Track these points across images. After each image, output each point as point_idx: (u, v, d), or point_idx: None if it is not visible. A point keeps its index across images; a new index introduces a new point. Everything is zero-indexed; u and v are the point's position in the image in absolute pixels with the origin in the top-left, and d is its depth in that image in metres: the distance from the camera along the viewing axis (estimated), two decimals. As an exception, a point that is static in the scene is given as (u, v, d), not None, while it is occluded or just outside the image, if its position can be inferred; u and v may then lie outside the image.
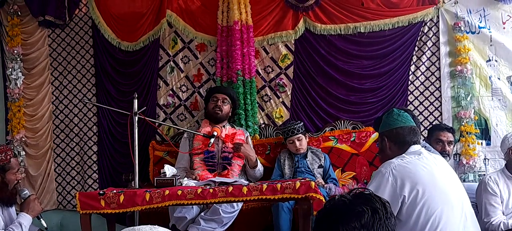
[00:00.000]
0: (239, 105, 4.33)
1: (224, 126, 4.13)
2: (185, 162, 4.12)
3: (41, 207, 3.33)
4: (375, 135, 4.21)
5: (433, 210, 2.22)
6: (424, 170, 2.31)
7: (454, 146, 4.11)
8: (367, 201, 1.39)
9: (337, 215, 1.38)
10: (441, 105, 4.44)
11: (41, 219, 3.32)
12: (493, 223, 3.36)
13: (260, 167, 4.10)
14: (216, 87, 4.36)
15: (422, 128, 4.39)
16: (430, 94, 4.45)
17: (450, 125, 4.35)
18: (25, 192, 3.30)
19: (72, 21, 4.78)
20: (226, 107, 4.16)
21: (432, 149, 3.47)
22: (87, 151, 4.74)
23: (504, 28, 4.39)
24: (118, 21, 4.67)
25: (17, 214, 3.25)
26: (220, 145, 4.04)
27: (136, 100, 3.40)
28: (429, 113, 4.45)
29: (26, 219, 3.16)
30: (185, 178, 3.36)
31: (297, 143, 4.05)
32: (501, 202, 3.44)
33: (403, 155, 2.42)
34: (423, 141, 4.21)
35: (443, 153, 3.78)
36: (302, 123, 4.16)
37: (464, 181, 4.27)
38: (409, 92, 4.46)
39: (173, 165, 3.88)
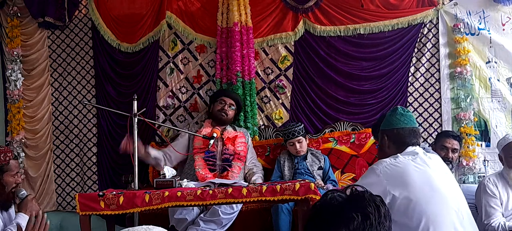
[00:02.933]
0: (241, 110, 4.37)
1: (225, 128, 4.13)
2: (173, 154, 4.07)
3: (38, 207, 3.31)
4: (374, 137, 4.21)
5: (425, 208, 2.21)
6: (416, 170, 2.32)
7: (458, 154, 4.04)
8: (359, 205, 1.34)
9: (328, 217, 1.35)
10: (440, 106, 4.44)
11: (40, 220, 3.31)
12: (492, 224, 3.36)
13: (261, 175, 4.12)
14: (225, 91, 4.35)
15: (421, 130, 4.40)
16: (430, 96, 4.45)
17: (450, 126, 4.35)
18: (22, 192, 3.28)
19: (72, 23, 4.79)
20: (231, 112, 4.19)
21: (431, 151, 3.46)
22: (87, 152, 4.75)
23: (503, 29, 4.39)
24: (118, 22, 4.67)
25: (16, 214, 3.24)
26: (220, 147, 4.04)
27: (135, 101, 3.40)
28: (428, 115, 4.45)
29: (24, 219, 3.14)
30: (185, 180, 3.36)
31: (298, 145, 4.05)
32: (501, 204, 3.44)
33: (398, 155, 2.42)
34: (423, 142, 4.23)
35: (446, 160, 3.76)
36: (302, 125, 4.16)
37: (463, 182, 4.27)
38: (408, 94, 4.46)
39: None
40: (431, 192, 2.25)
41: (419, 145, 2.52)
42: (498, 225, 3.34)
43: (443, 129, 4.37)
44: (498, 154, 3.63)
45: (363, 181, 2.36)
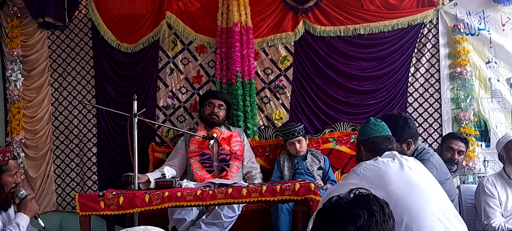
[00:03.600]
0: (238, 107, 4.34)
1: (219, 129, 4.11)
2: (177, 161, 4.08)
3: (38, 207, 3.31)
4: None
5: (406, 204, 2.21)
6: (395, 170, 2.35)
7: (464, 156, 4.02)
8: (364, 204, 1.39)
9: (333, 217, 1.38)
10: (440, 107, 4.44)
11: (39, 219, 3.30)
12: (493, 225, 3.36)
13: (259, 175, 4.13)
14: (212, 92, 4.33)
15: (421, 130, 4.40)
16: (430, 96, 4.45)
17: (450, 127, 4.35)
18: (22, 192, 3.29)
19: (72, 23, 4.79)
20: (222, 113, 4.14)
21: (431, 151, 3.45)
22: (87, 153, 4.74)
23: (503, 30, 4.39)
24: (118, 22, 4.67)
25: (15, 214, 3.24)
26: (216, 148, 4.03)
27: (135, 102, 3.40)
28: (428, 115, 4.45)
29: (23, 219, 3.15)
30: (185, 180, 3.37)
31: (297, 145, 4.05)
32: (500, 204, 3.43)
33: (377, 157, 2.46)
34: (423, 142, 4.22)
35: (452, 161, 3.76)
36: (302, 125, 4.16)
37: (463, 182, 4.28)
38: (408, 94, 4.46)
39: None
40: (410, 189, 2.27)
41: (394, 150, 2.55)
42: (499, 226, 3.33)
43: (443, 129, 4.37)
44: (499, 153, 3.63)
45: (344, 182, 2.39)
